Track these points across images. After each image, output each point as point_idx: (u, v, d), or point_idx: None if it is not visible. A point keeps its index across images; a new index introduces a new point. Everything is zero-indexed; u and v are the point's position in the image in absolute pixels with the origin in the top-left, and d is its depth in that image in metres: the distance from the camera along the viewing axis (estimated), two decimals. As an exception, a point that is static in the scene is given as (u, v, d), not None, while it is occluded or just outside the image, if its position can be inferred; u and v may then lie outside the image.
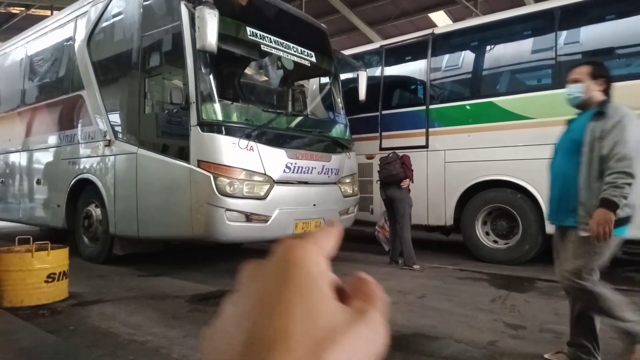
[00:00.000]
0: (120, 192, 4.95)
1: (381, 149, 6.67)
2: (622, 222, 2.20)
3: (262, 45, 4.82)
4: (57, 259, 3.70)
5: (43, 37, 6.74)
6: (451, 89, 6.54)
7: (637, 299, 3.84)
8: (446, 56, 6.49)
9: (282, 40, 5.04)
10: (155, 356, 2.52)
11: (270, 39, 4.90)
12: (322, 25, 6.05)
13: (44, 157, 6.36)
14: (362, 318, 0.24)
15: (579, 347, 2.39)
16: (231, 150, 4.23)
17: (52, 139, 6.16)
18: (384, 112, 6.83)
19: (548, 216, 2.55)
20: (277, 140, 4.67)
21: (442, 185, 6.01)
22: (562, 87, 5.05)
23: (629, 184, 2.13)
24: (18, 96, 7.09)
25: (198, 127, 4.22)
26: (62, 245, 3.84)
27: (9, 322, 3.10)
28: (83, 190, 5.55)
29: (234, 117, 4.49)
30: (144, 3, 4.93)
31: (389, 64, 7.08)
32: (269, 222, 4.43)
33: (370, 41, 13.61)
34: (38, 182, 6.38)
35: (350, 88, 6.50)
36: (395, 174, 5.31)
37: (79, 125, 5.67)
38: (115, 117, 5.19)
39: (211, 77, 4.37)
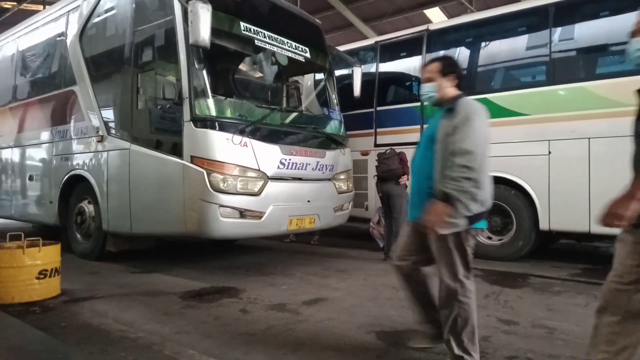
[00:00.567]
0: (113, 188, 4.91)
1: (376, 145, 6.66)
2: (475, 219, 2.20)
3: (256, 41, 4.78)
4: (49, 255, 3.66)
5: (35, 31, 6.65)
6: (446, 85, 6.52)
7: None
8: (441, 52, 6.48)
9: (276, 36, 5.00)
10: (148, 353, 2.50)
11: (264, 34, 4.86)
12: (317, 20, 6.02)
13: (36, 153, 6.30)
14: None
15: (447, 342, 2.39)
16: (225, 146, 4.20)
17: (45, 135, 6.10)
18: (378, 108, 6.82)
19: (408, 213, 2.54)
20: (271, 136, 4.64)
21: (437, 181, 5.99)
22: (557, 83, 5.15)
23: (468, 178, 2.12)
24: (10, 91, 7.01)
25: (191, 122, 4.18)
26: (54, 241, 3.81)
27: (-1, 319, 3.07)
28: (75, 187, 5.51)
29: (228, 113, 4.45)
30: (137, -3, 4.88)
31: (383, 60, 7.07)
32: (263, 219, 4.41)
33: (365, 37, 13.60)
34: (30, 178, 6.33)
35: (345, 84, 6.48)
36: (394, 169, 5.37)
37: (72, 121, 5.61)
38: (107, 113, 5.14)
39: (204, 72, 4.33)
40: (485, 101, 5.67)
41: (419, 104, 6.28)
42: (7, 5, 15.04)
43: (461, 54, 6.29)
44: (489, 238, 5.66)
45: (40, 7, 13.40)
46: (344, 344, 2.71)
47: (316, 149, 5.11)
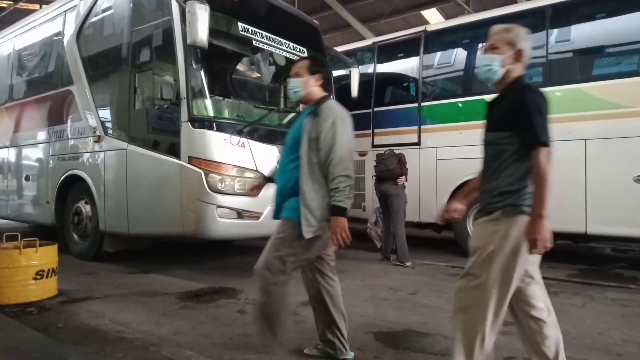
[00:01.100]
0: (110, 189, 4.90)
1: (373, 146, 6.67)
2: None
3: (253, 41, 4.79)
4: (46, 255, 3.65)
5: (31, 31, 6.63)
6: (443, 86, 6.55)
7: (626, 295, 3.89)
8: (438, 53, 6.50)
9: (274, 36, 5.01)
10: (145, 354, 2.49)
11: (262, 34, 4.87)
12: (315, 21, 6.02)
13: (32, 153, 6.28)
14: None
15: (327, 343, 2.42)
16: (222, 147, 4.20)
17: (41, 135, 6.08)
18: (376, 109, 6.83)
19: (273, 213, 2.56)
20: (269, 136, 4.64)
21: (434, 182, 6.02)
22: (553, 85, 5.17)
23: (350, 186, 2.23)
24: (6, 91, 6.99)
25: (189, 123, 4.18)
26: (51, 242, 3.79)
27: (-5, 319, 3.06)
28: (72, 187, 5.49)
29: (226, 113, 4.46)
30: (134, -3, 4.87)
31: (381, 61, 7.08)
32: (260, 219, 4.40)
33: (362, 38, 13.62)
34: (27, 178, 6.30)
35: (342, 85, 6.49)
36: (392, 169, 5.39)
37: (69, 120, 5.60)
38: (105, 113, 5.13)
39: (202, 72, 4.33)
40: (482, 102, 5.69)
41: (416, 104, 6.30)
42: (3, 4, 14.98)
43: (458, 55, 6.32)
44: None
45: (37, 6, 13.35)
46: (342, 344, 2.70)
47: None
